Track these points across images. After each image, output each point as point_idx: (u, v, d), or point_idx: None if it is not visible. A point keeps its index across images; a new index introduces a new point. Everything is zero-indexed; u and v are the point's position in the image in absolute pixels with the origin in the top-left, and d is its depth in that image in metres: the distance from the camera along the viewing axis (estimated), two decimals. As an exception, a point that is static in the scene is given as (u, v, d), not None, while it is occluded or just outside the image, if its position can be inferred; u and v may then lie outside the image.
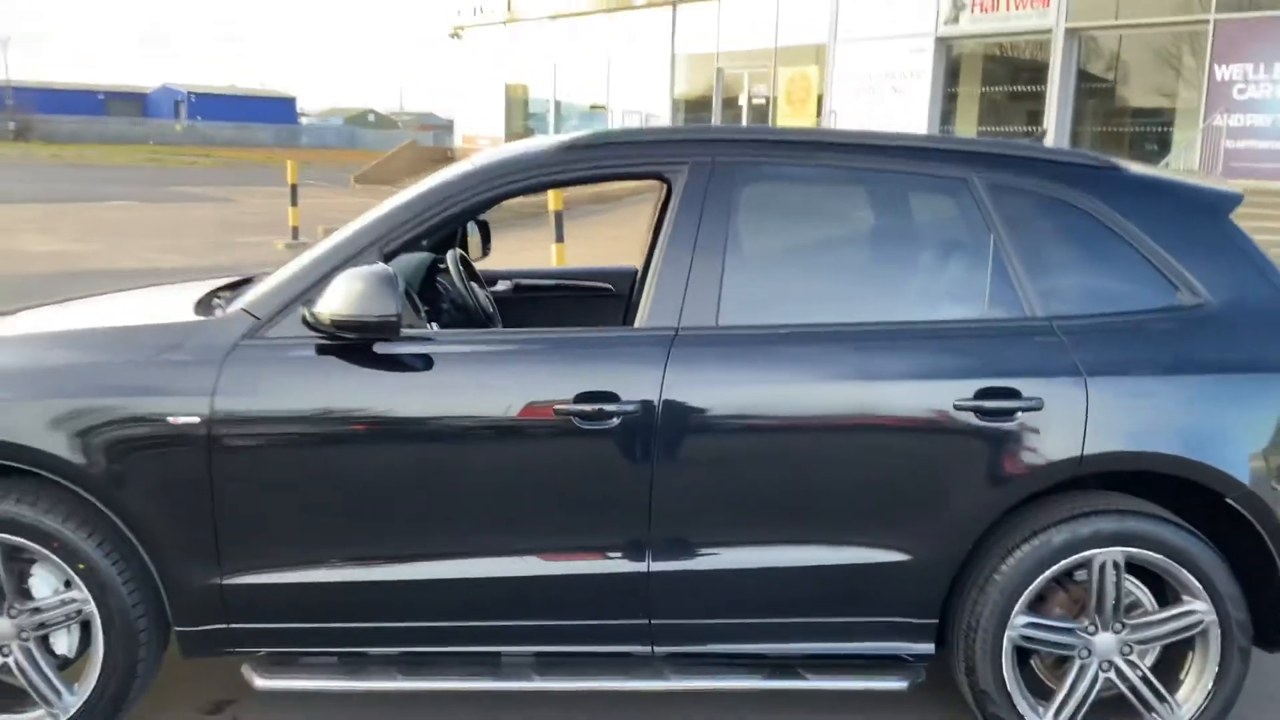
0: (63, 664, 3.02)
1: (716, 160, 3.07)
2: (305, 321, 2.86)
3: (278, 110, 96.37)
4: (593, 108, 31.03)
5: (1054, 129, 19.66)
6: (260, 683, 2.96)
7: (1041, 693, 3.05)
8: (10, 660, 2.96)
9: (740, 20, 25.61)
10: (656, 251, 3.07)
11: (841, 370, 2.95)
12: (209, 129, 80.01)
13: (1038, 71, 20.17)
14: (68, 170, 38.71)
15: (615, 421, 2.85)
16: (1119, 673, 2.98)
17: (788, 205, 3.26)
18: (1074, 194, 3.05)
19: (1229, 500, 2.92)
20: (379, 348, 2.89)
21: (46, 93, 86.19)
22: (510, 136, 32.02)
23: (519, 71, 33.56)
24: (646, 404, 2.85)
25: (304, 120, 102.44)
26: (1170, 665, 3.06)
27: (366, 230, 3.08)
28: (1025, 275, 2.99)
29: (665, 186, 3.36)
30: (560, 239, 10.61)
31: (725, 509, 2.94)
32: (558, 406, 2.85)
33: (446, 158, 34.28)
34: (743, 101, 26.28)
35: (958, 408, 2.87)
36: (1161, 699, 2.99)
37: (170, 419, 2.82)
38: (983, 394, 2.87)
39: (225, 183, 34.37)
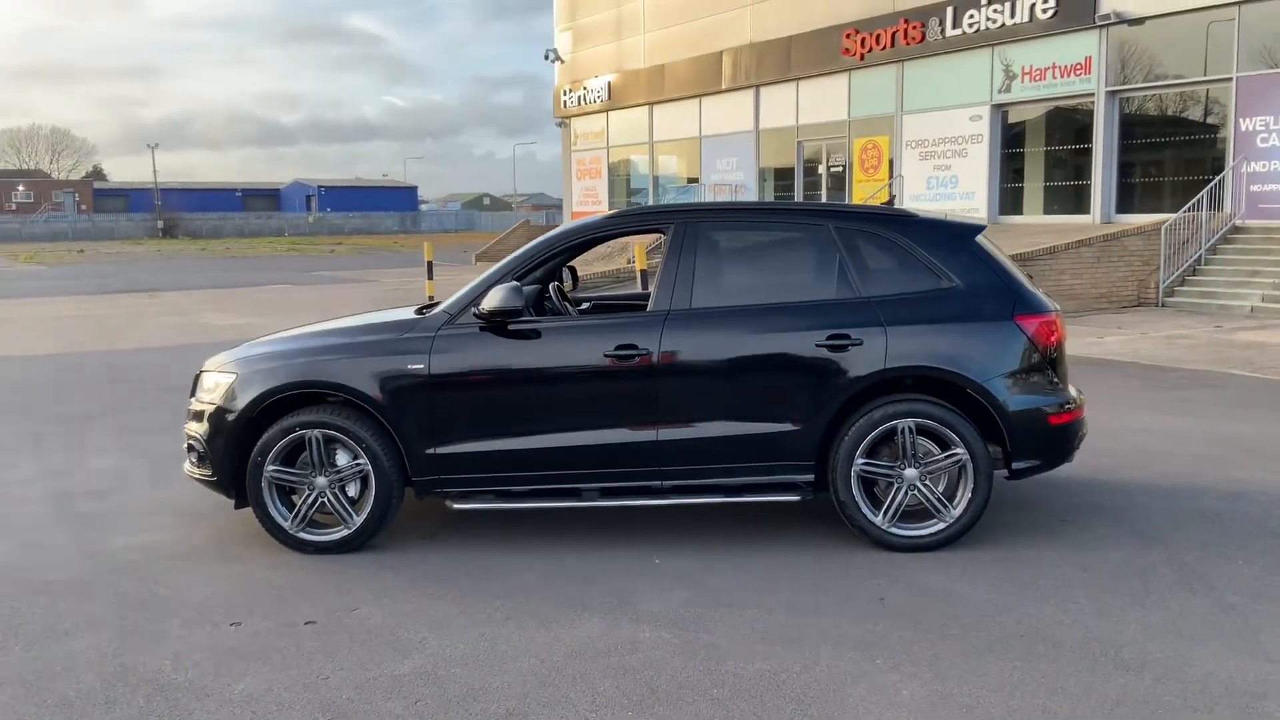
0: (351, 502, 5.66)
1: (688, 221, 5.67)
2: (474, 314, 5.52)
3: (400, 199, 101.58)
4: (689, 180, 33.64)
5: (1100, 178, 21.77)
6: (455, 506, 5.57)
7: (878, 504, 5.46)
8: (325, 500, 5.63)
9: (816, 97, 28.11)
10: (658, 269, 5.64)
11: (759, 328, 5.45)
12: (338, 219, 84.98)
13: (1084, 129, 22.30)
14: (219, 261, 42.99)
15: (636, 360, 5.41)
16: (920, 492, 5.39)
17: (728, 241, 5.80)
18: (884, 230, 5.55)
19: (968, 391, 5.35)
20: (511, 326, 5.51)
21: (189, 192, 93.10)
22: (613, 212, 34.51)
23: (620, 152, 36.58)
24: (653, 350, 5.40)
25: (424, 207, 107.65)
26: (950, 488, 5.45)
27: (502, 267, 5.75)
28: (855, 274, 5.48)
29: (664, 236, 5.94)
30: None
31: (698, 404, 5.46)
32: (605, 352, 5.42)
33: (556, 234, 37.17)
34: (821, 170, 28.50)
35: (818, 345, 5.36)
36: (945, 505, 5.38)
37: (409, 367, 5.49)
38: (831, 337, 5.35)
39: (362, 266, 37.96)
